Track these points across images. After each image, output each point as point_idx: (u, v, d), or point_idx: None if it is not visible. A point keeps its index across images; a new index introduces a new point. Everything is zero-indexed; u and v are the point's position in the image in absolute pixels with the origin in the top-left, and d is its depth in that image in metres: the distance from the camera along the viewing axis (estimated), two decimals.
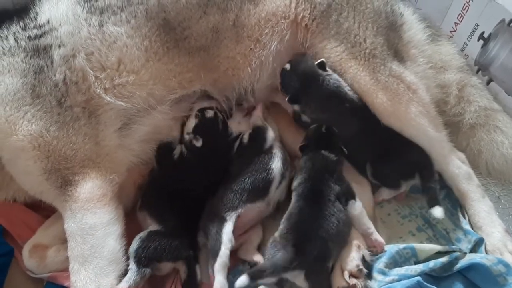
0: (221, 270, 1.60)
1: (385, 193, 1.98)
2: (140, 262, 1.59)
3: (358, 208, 1.78)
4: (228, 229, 1.66)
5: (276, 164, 1.85)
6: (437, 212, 1.78)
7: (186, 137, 1.92)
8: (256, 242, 1.78)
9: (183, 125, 1.99)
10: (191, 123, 1.93)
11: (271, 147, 1.91)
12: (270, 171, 1.82)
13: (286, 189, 1.87)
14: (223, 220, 1.69)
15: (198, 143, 1.88)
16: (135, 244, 1.65)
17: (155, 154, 1.92)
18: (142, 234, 1.69)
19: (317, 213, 1.67)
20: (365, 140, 1.96)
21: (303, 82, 1.95)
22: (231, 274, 1.70)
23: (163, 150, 1.94)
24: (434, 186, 1.87)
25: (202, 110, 1.94)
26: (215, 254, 1.62)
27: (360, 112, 1.94)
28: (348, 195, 1.78)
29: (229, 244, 1.63)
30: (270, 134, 1.95)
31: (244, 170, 1.82)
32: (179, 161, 1.90)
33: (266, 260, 1.64)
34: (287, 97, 1.98)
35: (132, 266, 1.59)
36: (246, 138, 1.95)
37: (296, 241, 1.60)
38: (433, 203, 1.82)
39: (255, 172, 1.81)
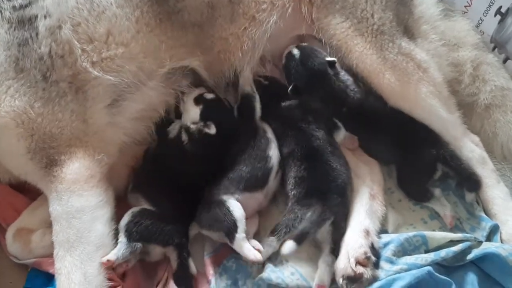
0: (244, 244, 1.57)
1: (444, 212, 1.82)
2: (131, 236, 1.55)
3: (341, 134, 1.90)
4: (234, 204, 1.63)
5: (274, 151, 1.79)
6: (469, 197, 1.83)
7: (192, 127, 1.80)
8: (252, 231, 1.71)
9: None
10: (194, 112, 1.82)
11: (264, 131, 1.85)
12: (269, 159, 1.76)
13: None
14: (222, 202, 1.64)
15: (212, 130, 1.78)
16: (126, 218, 1.60)
17: (156, 129, 1.86)
18: (134, 209, 1.64)
19: (325, 168, 1.74)
20: (378, 140, 1.92)
21: (310, 78, 1.91)
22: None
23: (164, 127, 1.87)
24: (463, 164, 1.81)
25: (200, 96, 1.85)
26: (232, 232, 1.57)
27: (360, 114, 1.90)
28: (331, 128, 1.89)
29: (243, 219, 1.60)
30: (258, 104, 1.91)
31: (241, 157, 1.76)
32: (179, 144, 1.81)
33: (300, 222, 1.63)
34: (289, 88, 1.92)
35: (122, 239, 1.54)
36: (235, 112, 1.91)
37: (318, 196, 1.66)
38: (472, 185, 1.82)
39: (253, 159, 1.75)
